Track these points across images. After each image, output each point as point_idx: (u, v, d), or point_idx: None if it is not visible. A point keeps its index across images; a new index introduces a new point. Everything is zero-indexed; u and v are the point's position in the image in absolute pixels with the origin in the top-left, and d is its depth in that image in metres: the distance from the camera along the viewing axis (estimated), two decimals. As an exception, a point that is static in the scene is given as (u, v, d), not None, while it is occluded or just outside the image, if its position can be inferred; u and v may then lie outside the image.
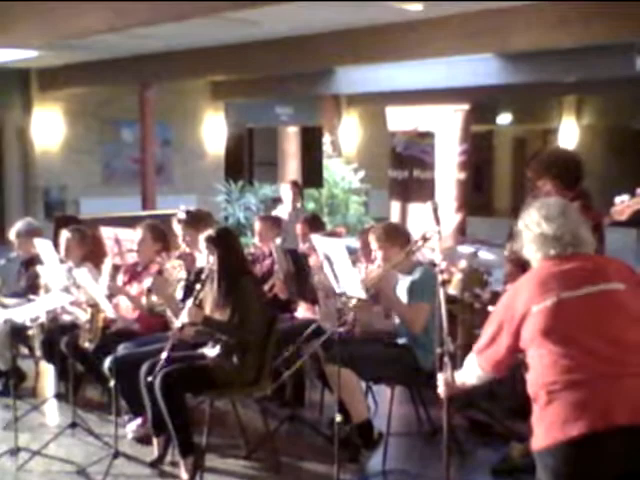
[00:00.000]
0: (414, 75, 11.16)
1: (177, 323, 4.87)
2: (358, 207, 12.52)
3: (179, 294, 5.28)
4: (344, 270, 4.39)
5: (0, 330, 5.77)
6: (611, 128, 17.54)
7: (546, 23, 7.15)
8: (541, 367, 2.92)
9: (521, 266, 5.07)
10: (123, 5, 5.81)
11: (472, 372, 3.35)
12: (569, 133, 18.12)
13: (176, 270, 5.46)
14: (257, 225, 6.69)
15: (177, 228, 5.78)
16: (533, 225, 3.12)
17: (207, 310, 4.96)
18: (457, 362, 6.25)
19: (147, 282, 5.20)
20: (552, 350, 2.88)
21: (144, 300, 5.47)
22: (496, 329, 3.08)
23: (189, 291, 5.09)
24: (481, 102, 12.61)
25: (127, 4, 5.81)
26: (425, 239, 4.36)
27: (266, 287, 5.99)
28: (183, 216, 5.75)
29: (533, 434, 2.95)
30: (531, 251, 3.14)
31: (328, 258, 4.43)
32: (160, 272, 5.35)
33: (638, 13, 6.53)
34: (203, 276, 4.91)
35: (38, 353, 6.23)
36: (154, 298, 5.35)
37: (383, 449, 4.98)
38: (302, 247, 6.26)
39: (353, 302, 4.68)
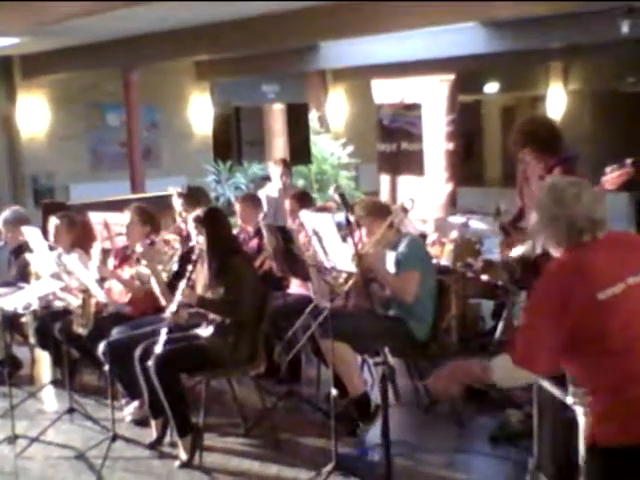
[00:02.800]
0: (399, 47, 11.10)
1: (172, 307, 4.86)
2: (348, 182, 12.48)
3: (174, 267, 5.27)
4: (333, 245, 4.38)
5: (-8, 319, 5.73)
6: (598, 92, 17.50)
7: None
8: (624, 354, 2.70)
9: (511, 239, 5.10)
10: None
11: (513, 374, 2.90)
12: (557, 99, 18.08)
13: (168, 245, 5.44)
14: (238, 206, 6.67)
15: (176, 203, 5.77)
16: (545, 210, 2.91)
17: (199, 290, 4.96)
18: (452, 332, 6.34)
19: (138, 250, 5.20)
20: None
21: (133, 271, 5.46)
22: (543, 325, 2.76)
23: (182, 270, 5.07)
24: (467, 72, 12.55)
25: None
26: (405, 210, 4.35)
27: (257, 263, 5.98)
28: (184, 191, 5.74)
29: (597, 425, 2.77)
30: (546, 236, 2.94)
31: (317, 233, 4.42)
32: (152, 244, 5.31)
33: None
34: (194, 257, 4.90)
35: (32, 340, 6.22)
36: (142, 268, 5.32)
37: (381, 421, 4.98)
38: (291, 224, 6.24)
39: (343, 279, 4.70)
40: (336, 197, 4.15)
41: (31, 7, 6.85)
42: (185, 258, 5.17)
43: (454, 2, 7.68)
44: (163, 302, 5.11)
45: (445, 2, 7.73)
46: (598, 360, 2.75)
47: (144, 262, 5.25)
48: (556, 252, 2.92)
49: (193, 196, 5.75)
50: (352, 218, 4.52)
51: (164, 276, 5.23)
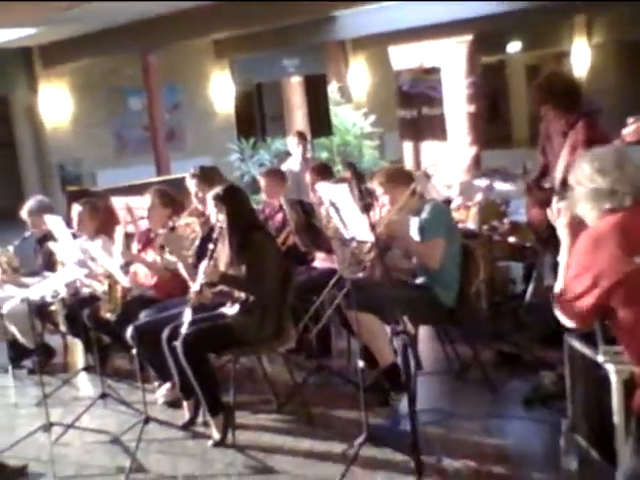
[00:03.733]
0: (417, 11, 10.98)
1: (195, 286, 4.85)
2: (372, 152, 12.37)
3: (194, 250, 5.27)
4: (351, 215, 4.33)
5: (19, 309, 5.77)
6: (623, 44, 17.16)
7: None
8: None
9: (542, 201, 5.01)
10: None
11: None
12: (581, 54, 17.77)
13: (189, 228, 5.42)
14: (262, 181, 6.63)
15: (190, 184, 5.74)
16: (586, 180, 2.85)
17: (222, 268, 4.93)
18: (481, 297, 6.27)
19: (160, 237, 5.19)
20: None
21: (159, 259, 5.46)
22: (589, 284, 2.76)
23: (203, 249, 5.05)
24: (486, 31, 12.34)
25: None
26: (427, 176, 4.29)
27: (280, 239, 5.95)
28: (197, 171, 5.71)
29: None
30: (586, 208, 2.87)
31: (334, 204, 4.37)
32: (173, 229, 5.30)
33: None
34: (215, 235, 4.88)
35: (63, 328, 6.25)
36: (168, 256, 5.31)
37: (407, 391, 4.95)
38: (312, 197, 6.19)
39: (367, 250, 4.65)
40: (348, 170, 4.10)
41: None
42: (207, 238, 5.14)
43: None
44: (192, 285, 5.09)
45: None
46: (636, 324, 2.72)
47: (168, 249, 5.25)
48: (595, 219, 2.86)
49: (207, 176, 5.70)
50: (368, 187, 4.46)
51: (189, 260, 5.22)
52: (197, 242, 5.38)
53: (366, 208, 4.02)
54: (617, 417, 3.58)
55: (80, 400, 5.72)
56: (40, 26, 10.06)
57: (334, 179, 6.15)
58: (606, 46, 17.59)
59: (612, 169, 2.80)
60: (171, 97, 14.09)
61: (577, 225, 2.96)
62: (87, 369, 6.14)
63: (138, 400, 5.23)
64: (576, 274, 2.81)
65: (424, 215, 4.95)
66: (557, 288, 2.93)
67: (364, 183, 4.74)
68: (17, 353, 6.45)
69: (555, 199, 3.07)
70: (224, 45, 14.37)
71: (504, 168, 6.87)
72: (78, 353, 6.72)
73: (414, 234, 4.97)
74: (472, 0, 10.03)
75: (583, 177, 2.85)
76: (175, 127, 14.38)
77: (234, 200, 4.94)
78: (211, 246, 4.82)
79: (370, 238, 4.31)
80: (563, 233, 3.03)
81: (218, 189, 4.98)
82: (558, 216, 3.05)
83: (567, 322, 2.91)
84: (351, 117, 12.45)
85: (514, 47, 18.96)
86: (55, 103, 13.40)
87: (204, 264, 4.79)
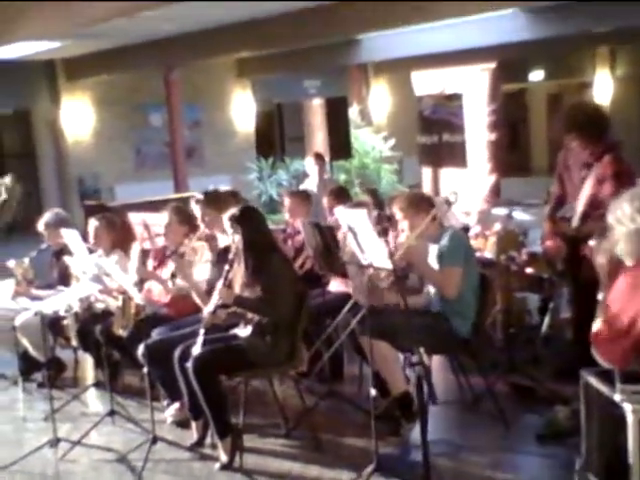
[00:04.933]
0: (440, 37, 10.96)
1: (209, 307, 4.82)
2: (391, 176, 12.35)
3: (206, 274, 5.24)
4: (369, 241, 4.29)
5: (32, 322, 5.76)
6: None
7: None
8: None
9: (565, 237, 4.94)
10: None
11: None
12: (604, 85, 17.71)
13: (199, 252, 5.41)
14: (286, 201, 6.62)
15: (195, 209, 5.71)
16: (626, 220, 2.83)
17: (237, 290, 4.90)
18: (497, 327, 6.21)
19: (170, 267, 5.18)
20: None
21: (171, 285, 5.44)
22: (627, 325, 2.81)
23: (218, 272, 5.04)
24: (509, 59, 12.33)
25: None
26: (449, 203, 4.25)
27: (299, 262, 5.92)
28: (201, 196, 5.68)
29: None
30: (626, 248, 2.85)
31: (352, 229, 4.33)
32: (182, 255, 5.30)
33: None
34: (230, 256, 4.85)
35: (74, 343, 6.23)
36: (179, 281, 5.31)
37: (420, 422, 4.89)
38: (330, 220, 6.16)
39: (383, 277, 4.62)
40: (365, 196, 4.08)
41: (70, 8, 6.86)
42: (220, 260, 5.13)
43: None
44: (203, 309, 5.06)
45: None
46: None
47: (179, 275, 5.25)
48: (631, 259, 2.85)
49: (210, 201, 5.66)
50: (387, 213, 4.44)
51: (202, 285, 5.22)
52: (209, 266, 5.36)
53: (384, 234, 3.98)
54: (633, 458, 3.51)
55: (88, 416, 5.68)
56: (65, 40, 10.12)
57: (351, 202, 6.13)
58: (629, 79, 17.53)
59: None
60: (192, 114, 14.14)
61: (616, 264, 2.91)
62: (97, 385, 6.11)
63: (146, 418, 5.19)
64: (614, 315, 2.78)
65: (444, 242, 4.90)
66: (595, 327, 2.89)
67: (384, 210, 4.71)
68: (28, 366, 6.43)
69: (594, 238, 3.04)
70: (246, 64, 14.43)
71: (525, 198, 6.84)
72: (88, 368, 6.70)
73: (432, 261, 4.93)
74: (495, 21, 9.99)
75: (623, 217, 2.83)
76: (195, 144, 14.43)
77: (250, 221, 4.91)
78: (227, 267, 4.80)
79: (388, 265, 4.27)
80: (602, 272, 2.99)
81: (234, 210, 4.95)
82: (597, 255, 3.01)
83: (603, 361, 2.87)
84: (371, 140, 12.45)
85: (536, 76, 18.92)
86: (77, 117, 13.48)
87: (219, 284, 4.77)
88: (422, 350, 3.13)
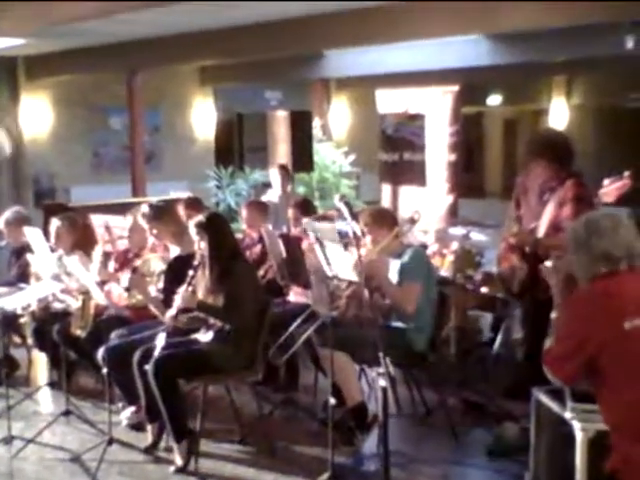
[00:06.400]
0: (403, 57, 11.09)
1: (170, 311, 4.86)
2: (349, 191, 12.45)
3: (159, 285, 5.30)
4: (336, 254, 4.38)
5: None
6: (601, 107, 17.49)
7: (534, 3, 7.10)
8: None
9: (519, 250, 5.07)
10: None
11: None
12: (559, 113, 18.08)
13: (152, 264, 5.46)
14: (244, 211, 6.66)
15: (142, 222, 5.66)
16: (581, 243, 2.92)
17: (200, 296, 4.94)
18: (450, 343, 6.33)
19: (124, 281, 5.23)
20: None
21: (127, 298, 5.49)
22: (576, 345, 2.87)
23: (174, 280, 5.06)
24: (471, 83, 12.56)
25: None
26: (413, 221, 4.36)
27: (261, 272, 5.98)
28: (146, 210, 5.62)
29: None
30: (580, 271, 2.94)
31: (320, 242, 4.42)
32: (135, 270, 5.35)
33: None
34: (195, 262, 4.90)
35: (30, 341, 6.21)
36: (136, 295, 5.37)
37: (377, 431, 4.98)
38: (294, 231, 6.24)
39: (344, 288, 4.71)
40: (342, 206, 4.16)
41: (39, 8, 6.84)
42: (172, 269, 5.17)
43: (459, 14, 7.68)
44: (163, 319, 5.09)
45: (450, 14, 7.72)
46: (619, 391, 2.81)
47: (135, 291, 5.30)
48: (585, 281, 2.93)
49: (157, 214, 5.61)
50: (357, 227, 4.54)
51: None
52: (162, 274, 5.40)
53: (356, 246, 4.07)
54: (580, 475, 3.63)
55: (41, 415, 5.67)
56: (31, 37, 10.05)
57: (316, 215, 6.22)
58: (584, 108, 17.92)
59: (607, 233, 2.87)
60: (152, 119, 14.09)
61: (570, 284, 3.02)
62: (51, 385, 6.09)
63: (101, 420, 5.22)
64: (564, 335, 2.88)
65: (405, 259, 5.01)
66: (547, 345, 2.99)
67: (357, 220, 4.81)
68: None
69: (551, 258, 3.15)
70: (209, 73, 14.45)
71: (480, 219, 6.99)
72: (42, 368, 6.66)
73: (392, 276, 5.03)
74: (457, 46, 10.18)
75: (578, 240, 2.92)
76: (154, 149, 14.39)
77: (216, 228, 4.97)
78: (191, 272, 4.84)
79: (353, 277, 4.36)
80: (556, 292, 3.10)
81: (201, 216, 5.01)
82: (552, 275, 3.12)
83: (553, 379, 2.97)
84: (331, 155, 12.54)
85: (494, 100, 19.25)
86: (36, 115, 13.35)
87: (182, 289, 4.81)
88: (388, 361, 3.21)
